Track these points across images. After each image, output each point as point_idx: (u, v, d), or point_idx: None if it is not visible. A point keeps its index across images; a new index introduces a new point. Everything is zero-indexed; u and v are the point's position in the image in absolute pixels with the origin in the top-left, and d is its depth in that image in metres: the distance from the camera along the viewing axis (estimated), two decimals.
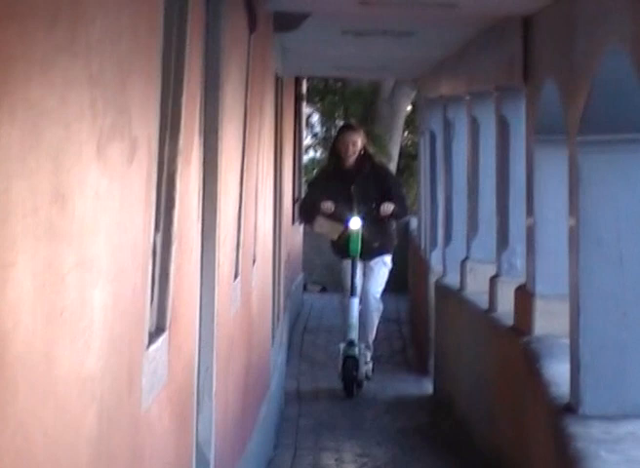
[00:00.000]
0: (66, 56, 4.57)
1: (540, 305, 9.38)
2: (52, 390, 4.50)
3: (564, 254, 8.31)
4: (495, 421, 11.23)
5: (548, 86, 9.24)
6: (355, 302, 12.82)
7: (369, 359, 13.33)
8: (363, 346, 13.05)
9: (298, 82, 18.87)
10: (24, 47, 4.16)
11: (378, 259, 13.32)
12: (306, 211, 13.55)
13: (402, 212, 13.63)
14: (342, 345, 12.80)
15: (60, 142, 4.50)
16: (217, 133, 8.43)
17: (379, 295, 13.36)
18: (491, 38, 11.68)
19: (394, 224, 14.09)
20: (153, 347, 6.14)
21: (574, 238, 7.68)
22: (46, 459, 4.51)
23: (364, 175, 13.12)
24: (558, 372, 8.39)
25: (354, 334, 12.78)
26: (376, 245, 12.94)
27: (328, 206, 12.85)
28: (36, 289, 4.30)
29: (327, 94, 24.61)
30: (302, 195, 18.45)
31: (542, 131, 9.57)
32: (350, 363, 12.74)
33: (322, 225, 13.09)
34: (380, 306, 13.48)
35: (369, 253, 13.05)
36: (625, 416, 7.31)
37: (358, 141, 13.10)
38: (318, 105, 25.11)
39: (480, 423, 11.85)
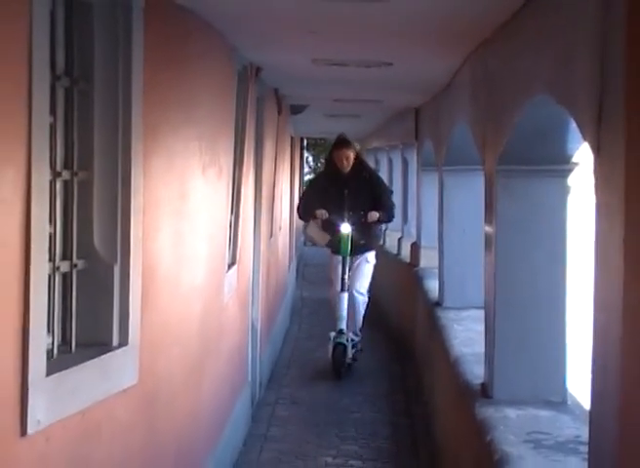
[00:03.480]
0: (186, 123, 5.43)
1: (422, 251, 10.98)
2: (179, 293, 5.38)
3: (433, 226, 9.32)
4: (399, 312, 12.70)
5: (427, 142, 10.45)
6: (344, 297, 10.25)
7: (358, 343, 10.59)
8: (351, 334, 10.38)
9: (302, 139, 21.44)
10: (166, 119, 5.05)
11: (363, 256, 10.46)
12: (303, 211, 10.72)
13: (387, 218, 10.55)
14: (333, 334, 10.21)
15: (184, 167, 5.42)
16: (261, 165, 9.45)
17: (364, 290, 10.52)
18: (399, 117, 13.15)
19: (381, 226, 11.17)
20: (229, 272, 6.93)
21: (440, 223, 8.68)
22: (177, 329, 5.35)
23: (357, 181, 10.27)
24: (432, 286, 9.31)
25: (343, 324, 10.20)
26: (362, 242, 10.28)
27: (322, 213, 10.23)
28: (171, 242, 5.18)
29: (316, 145, 28.40)
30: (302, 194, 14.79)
31: (424, 164, 10.86)
32: (340, 349, 10.13)
33: (313, 230, 10.55)
34: (366, 299, 10.62)
35: (355, 250, 10.33)
36: (467, 308, 7.74)
37: (351, 155, 10.35)
38: (312, 151, 28.64)
39: (391, 314, 13.34)
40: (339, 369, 10.18)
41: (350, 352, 10.31)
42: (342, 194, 10.21)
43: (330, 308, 10.70)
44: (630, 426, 2.55)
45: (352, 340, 10.40)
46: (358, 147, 11.13)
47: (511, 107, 4.71)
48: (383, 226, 11.63)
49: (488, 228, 5.48)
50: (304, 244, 22.22)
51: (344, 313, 10.26)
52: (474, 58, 6.27)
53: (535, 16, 4.25)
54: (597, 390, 2.90)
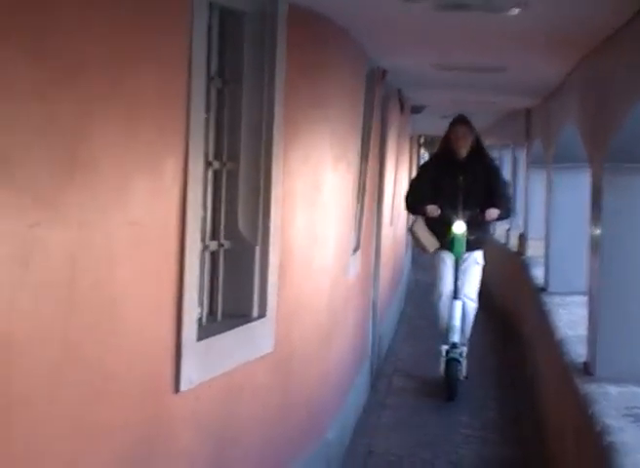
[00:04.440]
0: (321, 121, 5.50)
1: (529, 242, 10.68)
2: (311, 272, 5.48)
3: (539, 219, 9.30)
4: (507, 297, 12.47)
5: (537, 141, 10.18)
6: (458, 305, 8.17)
7: (465, 356, 8.37)
8: (464, 348, 8.36)
9: (419, 137, 21.04)
10: (304, 117, 5.13)
11: (471, 257, 8.24)
12: (412, 202, 8.35)
13: (506, 214, 8.28)
14: (445, 347, 8.15)
15: (317, 161, 5.50)
16: (384, 159, 9.43)
17: (475, 295, 8.32)
18: (511, 118, 12.92)
19: (495, 223, 9.50)
20: (353, 256, 6.99)
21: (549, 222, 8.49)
22: (309, 304, 5.43)
23: (473, 169, 8.09)
24: (538, 273, 9.09)
25: (457, 337, 8.14)
26: (472, 238, 8.13)
27: (433, 209, 8.02)
28: (304, 227, 5.27)
29: (433, 143, 27.57)
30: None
31: (533, 162, 10.61)
32: (454, 366, 8.05)
33: (420, 232, 8.23)
34: (476, 305, 8.38)
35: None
36: (571, 293, 7.63)
37: (469, 136, 8.17)
38: (428, 149, 28.31)
39: (500, 297, 13.05)
40: (453, 387, 8.10)
41: (465, 368, 8.32)
42: (457, 184, 8.10)
43: (435, 316, 8.49)
44: None
45: (462, 353, 8.32)
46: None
47: (620, 109, 4.66)
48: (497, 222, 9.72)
49: (594, 221, 5.43)
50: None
51: (458, 323, 8.20)
52: (585, 62, 6.22)
53: (633, 34, 4.27)
54: None
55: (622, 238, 5.10)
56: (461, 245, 8.08)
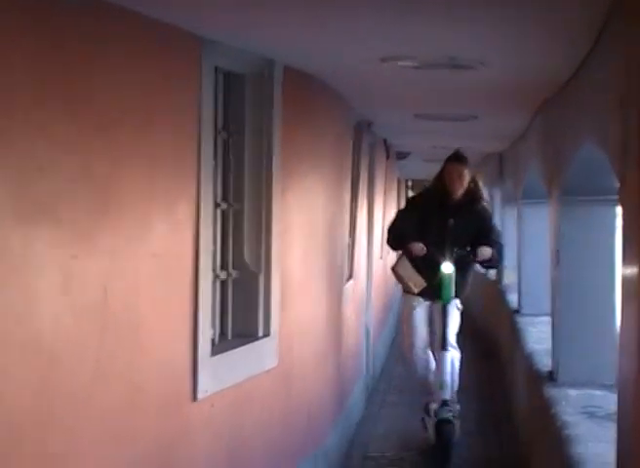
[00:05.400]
0: (314, 167, 5.65)
1: (505, 271, 10.46)
2: (309, 297, 5.57)
3: (514, 250, 9.00)
4: (486, 317, 12.46)
5: (509, 181, 10.36)
6: (448, 357, 6.54)
7: (458, 414, 6.72)
8: (454, 404, 6.67)
9: (407, 181, 20.95)
10: (298, 163, 5.29)
11: (452, 302, 6.62)
12: (394, 237, 6.78)
13: (497, 260, 6.73)
14: (434, 406, 6.54)
15: (312, 201, 5.63)
16: (373, 200, 9.54)
17: (455, 343, 6.67)
18: (486, 160, 12.69)
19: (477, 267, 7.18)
20: (347, 284, 7.11)
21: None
22: (307, 325, 5.52)
23: (467, 212, 6.60)
24: (512, 298, 9.11)
25: (448, 393, 6.51)
26: (459, 281, 6.62)
27: (420, 247, 6.46)
28: (302, 258, 5.38)
29: (419, 186, 27.83)
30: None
31: (506, 199, 10.80)
32: (447, 428, 6.38)
33: (405, 270, 6.61)
34: (459, 353, 6.72)
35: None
36: (541, 314, 7.39)
37: (466, 175, 6.61)
38: (415, 191, 28.16)
39: (480, 318, 12.99)
40: (448, 453, 6.38)
41: (458, 429, 6.63)
42: (446, 224, 6.57)
43: (413, 372, 6.93)
44: None
45: (454, 412, 6.60)
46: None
47: (569, 150, 4.89)
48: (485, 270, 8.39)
49: (554, 247, 5.58)
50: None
51: (449, 378, 6.56)
52: (543, 111, 6.44)
53: (578, 84, 4.48)
54: (623, 374, 2.99)
55: (578, 262, 5.24)
56: (450, 288, 6.50)
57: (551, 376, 5.43)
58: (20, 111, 2.83)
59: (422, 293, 6.62)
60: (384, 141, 10.58)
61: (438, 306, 6.62)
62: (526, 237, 8.54)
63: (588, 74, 4.13)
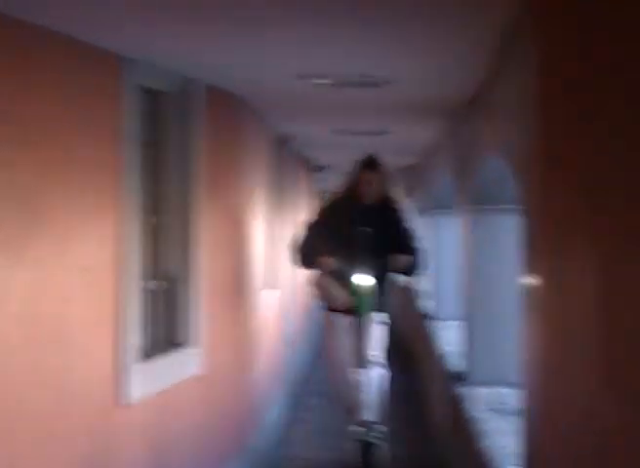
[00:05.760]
0: (236, 180, 5.62)
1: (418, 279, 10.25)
2: (233, 304, 5.58)
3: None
4: (402, 323, 11.49)
5: (423, 192, 9.43)
6: (364, 375, 5.73)
7: (385, 436, 5.81)
8: (380, 425, 5.77)
9: (324, 192, 20.85)
10: (221, 176, 5.29)
11: (370, 316, 5.79)
12: (302, 253, 5.90)
13: (414, 266, 5.88)
14: (354, 429, 5.74)
15: (235, 212, 5.61)
16: (295, 211, 9.37)
17: (382, 359, 5.86)
18: (402, 173, 12.31)
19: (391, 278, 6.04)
20: (266, 292, 7.14)
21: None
22: (231, 334, 5.54)
23: (378, 221, 5.81)
24: (427, 303, 8.99)
25: (369, 415, 5.70)
26: (380, 296, 5.85)
27: (328, 263, 5.73)
28: (226, 268, 5.40)
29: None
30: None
31: (421, 210, 10.46)
32: (372, 451, 5.66)
33: (329, 284, 5.82)
34: (387, 372, 5.89)
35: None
36: (449, 319, 7.60)
37: (378, 181, 5.84)
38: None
39: (398, 323, 12.44)
40: None
41: (387, 453, 5.86)
42: (356, 234, 5.73)
43: (336, 393, 6.01)
44: (543, 397, 2.71)
45: (380, 434, 5.74)
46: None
47: (474, 163, 5.03)
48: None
49: (465, 254, 5.69)
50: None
51: (366, 397, 5.70)
52: (450, 127, 6.60)
53: (484, 100, 4.61)
54: (527, 373, 3.08)
55: (487, 268, 5.29)
56: (365, 300, 5.72)
57: (462, 376, 5.54)
58: None
59: (343, 309, 5.79)
60: (303, 156, 10.69)
61: (364, 320, 5.75)
62: (440, 246, 8.63)
63: (493, 91, 4.25)
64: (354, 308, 5.74)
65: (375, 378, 5.76)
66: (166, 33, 3.70)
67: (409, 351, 11.23)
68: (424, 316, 8.97)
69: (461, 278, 5.89)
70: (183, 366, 4.78)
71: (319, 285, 5.90)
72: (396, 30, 3.58)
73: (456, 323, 7.48)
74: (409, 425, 7.94)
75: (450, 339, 7.04)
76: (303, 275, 11.43)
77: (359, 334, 5.74)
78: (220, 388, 5.37)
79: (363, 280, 5.72)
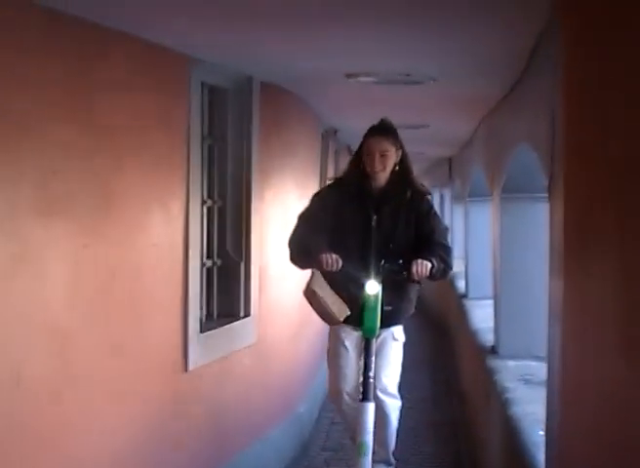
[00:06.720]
0: (287, 168, 5.74)
1: (454, 261, 9.80)
2: (283, 282, 5.58)
3: (462, 241, 9.08)
4: (439, 303, 12.20)
5: (457, 182, 10.43)
6: (371, 409, 3.79)
7: None
8: (383, 466, 4.20)
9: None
10: (272, 166, 5.33)
11: (388, 331, 4.02)
12: (297, 248, 4.00)
13: (442, 271, 3.91)
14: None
15: (286, 198, 5.65)
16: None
17: (394, 387, 4.07)
18: (437, 164, 12.68)
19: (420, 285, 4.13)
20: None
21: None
22: (282, 307, 5.56)
23: (395, 208, 3.97)
24: (460, 284, 9.10)
25: (376, 456, 3.99)
26: (388, 309, 3.94)
27: (331, 262, 3.77)
28: (277, 248, 5.40)
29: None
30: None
31: (455, 198, 10.72)
32: None
33: (323, 292, 3.94)
34: (399, 401, 4.12)
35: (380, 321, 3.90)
36: (485, 298, 7.25)
37: (390, 152, 3.97)
38: None
39: (433, 304, 12.61)
40: None
41: None
42: (368, 223, 4.05)
43: (343, 422, 4.47)
44: (566, 372, 2.68)
45: None
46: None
47: (506, 154, 5.03)
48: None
49: (495, 238, 5.69)
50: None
51: (371, 436, 3.86)
52: (485, 120, 6.59)
53: (515, 97, 4.62)
54: (550, 347, 3.08)
55: (516, 250, 5.30)
56: (375, 316, 3.96)
57: (493, 350, 5.57)
58: (38, 126, 2.94)
59: (349, 321, 4.07)
60: (348, 147, 10.67)
61: (372, 342, 4.00)
62: (472, 231, 8.60)
63: (525, 86, 4.26)
64: (364, 329, 3.99)
65: (384, 410, 4.11)
66: (229, 37, 3.75)
67: (445, 328, 11.27)
68: (459, 295, 8.98)
69: (493, 260, 5.94)
70: (240, 335, 4.85)
71: (317, 291, 4.03)
72: (441, 30, 3.58)
73: (488, 302, 7.52)
74: (446, 393, 8.00)
75: (483, 317, 7.05)
76: None
77: (369, 359, 3.96)
78: (273, 356, 5.42)
79: (371, 288, 3.95)
